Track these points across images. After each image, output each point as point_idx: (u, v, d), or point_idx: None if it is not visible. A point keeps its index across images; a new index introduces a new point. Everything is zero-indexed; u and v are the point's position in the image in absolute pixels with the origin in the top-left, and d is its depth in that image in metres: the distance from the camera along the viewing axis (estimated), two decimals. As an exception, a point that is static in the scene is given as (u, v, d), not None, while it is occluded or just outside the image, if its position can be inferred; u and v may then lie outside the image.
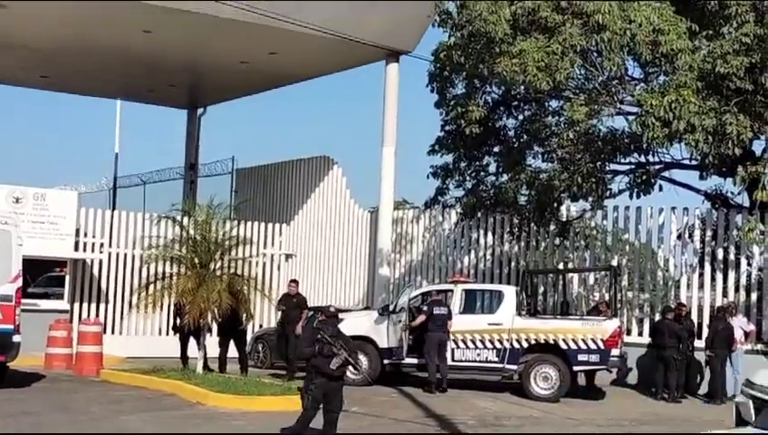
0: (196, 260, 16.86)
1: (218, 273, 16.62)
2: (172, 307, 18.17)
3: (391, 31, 20.21)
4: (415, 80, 22.18)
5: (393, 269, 22.11)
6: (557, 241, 20.24)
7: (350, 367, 10.72)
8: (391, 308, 17.33)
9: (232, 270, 17.26)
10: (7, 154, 50.76)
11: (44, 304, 20.17)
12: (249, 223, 22.85)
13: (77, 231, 20.99)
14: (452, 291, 17.41)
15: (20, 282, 14.99)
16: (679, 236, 19.10)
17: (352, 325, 17.41)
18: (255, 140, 55.45)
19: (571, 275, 19.92)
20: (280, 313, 18.39)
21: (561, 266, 20.22)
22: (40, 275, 21.59)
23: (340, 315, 18.05)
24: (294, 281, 19.07)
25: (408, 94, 22.06)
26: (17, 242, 15.05)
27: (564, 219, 19.78)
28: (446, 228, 21.90)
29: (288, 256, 23.95)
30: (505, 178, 19.64)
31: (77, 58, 22.66)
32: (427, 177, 20.68)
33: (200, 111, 27.98)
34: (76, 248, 20.95)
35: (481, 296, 18.05)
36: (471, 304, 17.55)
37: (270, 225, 23.85)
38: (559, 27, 16.06)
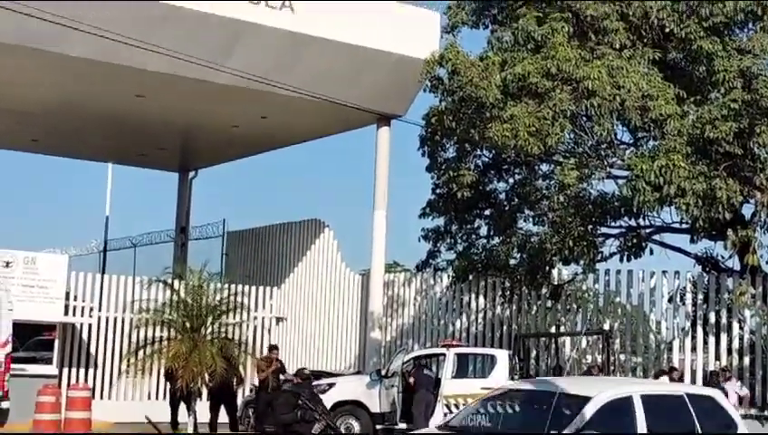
0: (188, 324, 16.77)
1: (210, 337, 16.52)
2: (162, 371, 17.98)
3: (382, 95, 20.40)
4: (406, 142, 22.36)
5: (385, 333, 22.03)
6: (549, 304, 20.22)
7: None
8: (383, 372, 17.23)
9: (223, 334, 17.17)
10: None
11: (32, 368, 19.91)
12: (240, 286, 22.74)
13: (67, 295, 20.86)
14: (444, 355, 17.33)
15: (9, 347, 14.90)
16: (671, 300, 19.11)
17: (344, 390, 17.37)
18: (247, 203, 55.57)
19: (563, 338, 19.87)
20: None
21: (553, 330, 20.17)
22: (28, 338, 21.37)
23: (333, 380, 18.12)
24: (274, 346, 18.83)
25: (399, 157, 22.23)
26: (7, 307, 14.98)
27: (556, 282, 19.79)
28: (438, 291, 21.88)
29: (279, 320, 23.85)
30: (497, 241, 19.71)
31: (68, 122, 22.77)
32: (419, 240, 20.73)
33: (191, 173, 28.07)
34: (66, 312, 20.79)
35: (473, 360, 17.98)
36: (464, 368, 17.49)
37: (261, 288, 23.78)
38: (549, 93, 16.27)
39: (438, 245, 20.62)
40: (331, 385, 17.45)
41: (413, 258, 22.51)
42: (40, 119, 22.56)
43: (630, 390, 9.35)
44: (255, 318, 23.12)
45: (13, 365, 15.74)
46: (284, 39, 18.72)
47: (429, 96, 18.64)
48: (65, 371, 20.82)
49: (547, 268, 18.83)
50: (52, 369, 20.45)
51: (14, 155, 27.99)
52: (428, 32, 19.63)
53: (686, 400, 9.31)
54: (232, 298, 18.12)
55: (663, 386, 12.07)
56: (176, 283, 17.72)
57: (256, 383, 17.98)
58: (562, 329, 20.18)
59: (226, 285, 18.64)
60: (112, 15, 16.70)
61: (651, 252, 18.01)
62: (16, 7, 14.60)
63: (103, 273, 23.91)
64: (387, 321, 22.19)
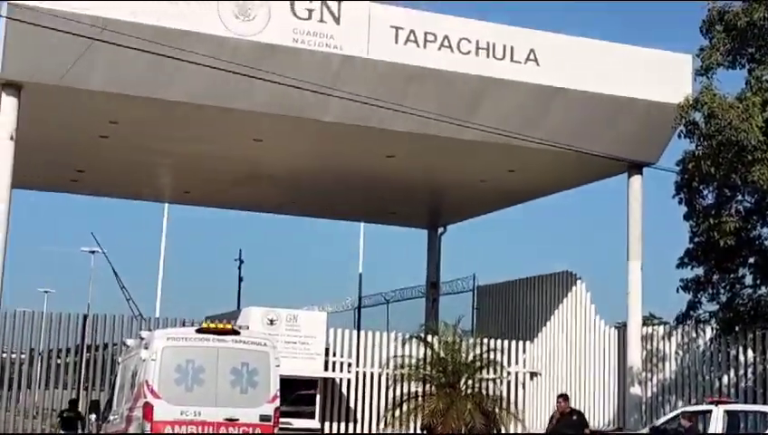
0: (444, 380, 16.90)
1: (467, 392, 16.55)
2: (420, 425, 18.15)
3: (633, 143, 19.88)
4: (658, 189, 21.63)
5: (645, 388, 21.18)
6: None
7: None
8: (651, 427, 16.54)
9: (477, 389, 17.16)
10: (261, 277, 53.61)
11: (297, 422, 20.70)
12: (493, 341, 22.70)
13: (326, 350, 21.60)
14: (711, 412, 16.41)
15: (278, 402, 15.45)
16: None
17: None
18: (495, 257, 55.74)
19: None
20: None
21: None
22: (291, 393, 22.23)
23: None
24: (563, 395, 18.01)
25: (652, 205, 21.50)
26: (275, 363, 15.58)
27: (836, 334, 18.34)
28: (701, 345, 20.83)
29: (533, 375, 23.53)
30: (764, 290, 18.59)
31: (322, 184, 23.64)
32: (677, 290, 19.85)
33: (440, 229, 28.40)
34: (326, 368, 21.51)
35: (745, 418, 16.91)
36: (734, 426, 16.43)
37: (513, 342, 23.60)
38: (819, 131, 15.25)
39: (699, 295, 19.66)
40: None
41: (670, 310, 21.65)
42: (296, 182, 23.60)
43: None
44: (509, 373, 22.92)
45: (280, 419, 16.36)
46: (531, 92, 18.69)
47: (684, 142, 17.98)
48: (326, 425, 21.48)
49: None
50: (314, 423, 21.19)
51: (275, 218, 29.57)
52: (680, 76, 19.01)
53: None
54: (485, 354, 18.10)
55: None
56: (429, 338, 17.95)
57: None
58: None
59: (479, 340, 18.66)
60: (363, 79, 17.36)
61: None
62: (281, 80, 15.47)
63: (359, 329, 24.61)
64: (646, 376, 21.34)
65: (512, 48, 18.44)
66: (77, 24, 15.16)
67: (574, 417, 17.12)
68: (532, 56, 18.62)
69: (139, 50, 15.27)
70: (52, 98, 17.07)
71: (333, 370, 21.84)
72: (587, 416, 22.05)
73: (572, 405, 18.36)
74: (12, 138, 16.57)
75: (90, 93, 16.78)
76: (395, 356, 19.89)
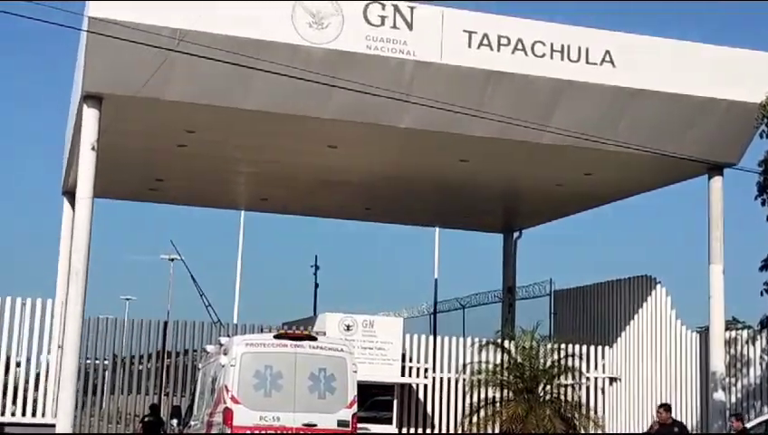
0: (521, 385, 16.77)
1: (546, 398, 16.40)
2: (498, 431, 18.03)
3: (713, 144, 19.49)
4: (740, 190, 21.14)
5: (728, 394, 20.71)
6: None
7: None
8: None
9: (556, 394, 16.97)
10: (337, 283, 53.96)
11: (374, 428, 20.74)
12: (570, 346, 22.44)
13: (402, 356, 21.61)
14: (799, 419, 16.00)
15: (355, 407, 15.50)
16: None
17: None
18: (573, 261, 55.12)
19: None
20: None
21: None
22: (368, 399, 22.29)
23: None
24: (665, 406, 16.80)
25: (734, 206, 21.03)
26: (352, 369, 15.64)
27: None
28: (788, 350, 20.34)
29: (612, 380, 23.19)
30: None
31: (397, 189, 23.68)
32: (761, 293, 19.29)
33: (516, 234, 28.18)
34: (402, 373, 21.51)
35: (833, 425, 16.41)
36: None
37: (592, 347, 23.29)
38: None
39: (784, 299, 19.16)
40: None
41: (753, 314, 21.12)
42: (372, 188, 23.65)
43: None
44: (588, 379, 22.63)
45: (357, 425, 16.42)
46: (607, 94, 18.44)
47: (766, 141, 17.51)
48: (404, 430, 21.47)
49: None
50: (392, 428, 21.20)
51: (350, 223, 29.74)
52: (761, 74, 18.56)
53: None
54: (564, 359, 17.89)
55: None
56: (506, 343, 17.82)
57: None
58: None
59: (557, 346, 18.46)
60: (437, 85, 17.32)
61: None
62: (356, 87, 15.53)
63: (435, 334, 24.55)
64: (730, 381, 20.87)
65: (587, 50, 18.22)
66: (155, 36, 15.45)
67: (675, 429, 16.41)
68: (607, 57, 18.37)
69: (214, 60, 15.48)
70: (132, 109, 17.40)
71: (410, 375, 21.83)
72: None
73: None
74: (93, 148, 16.95)
75: (167, 103, 17.07)
76: (471, 362, 19.78)
